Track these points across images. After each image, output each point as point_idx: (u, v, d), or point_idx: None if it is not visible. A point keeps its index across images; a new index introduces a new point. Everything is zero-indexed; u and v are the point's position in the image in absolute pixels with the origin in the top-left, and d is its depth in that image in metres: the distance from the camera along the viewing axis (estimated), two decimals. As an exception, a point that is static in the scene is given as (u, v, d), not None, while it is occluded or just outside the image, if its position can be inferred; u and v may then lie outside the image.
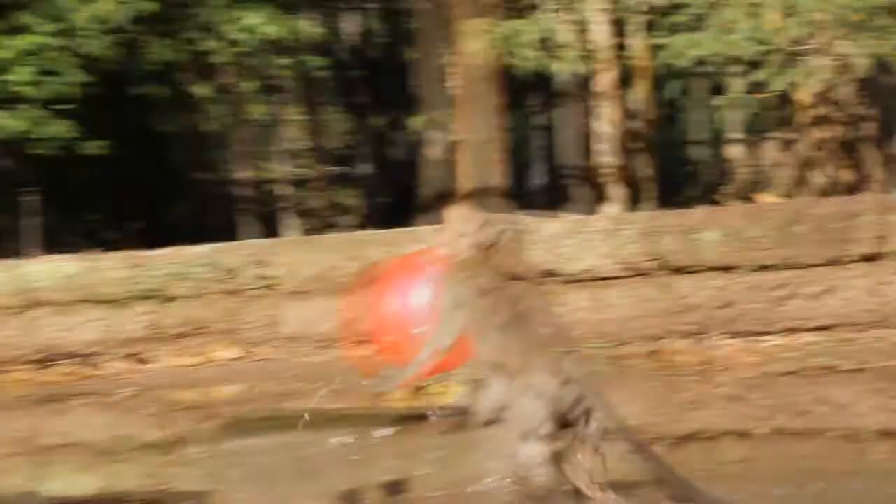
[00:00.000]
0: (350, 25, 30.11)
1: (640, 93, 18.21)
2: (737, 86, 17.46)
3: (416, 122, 34.35)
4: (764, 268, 8.49)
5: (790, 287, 8.41)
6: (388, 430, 3.79)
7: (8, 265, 9.78)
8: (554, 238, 8.80)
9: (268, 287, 9.26)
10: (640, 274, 8.75)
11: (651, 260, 8.74)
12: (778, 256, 8.41)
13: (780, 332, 8.37)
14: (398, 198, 26.84)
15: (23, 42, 14.26)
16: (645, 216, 8.85)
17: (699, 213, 8.75)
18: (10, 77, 14.26)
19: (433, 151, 35.19)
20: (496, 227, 3.72)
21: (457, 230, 3.71)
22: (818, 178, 16.02)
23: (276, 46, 17.18)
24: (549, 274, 8.80)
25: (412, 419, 3.88)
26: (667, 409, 6.07)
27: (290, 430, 3.81)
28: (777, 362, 7.75)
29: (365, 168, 32.35)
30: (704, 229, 8.59)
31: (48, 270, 9.49)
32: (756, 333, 8.40)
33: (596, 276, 8.80)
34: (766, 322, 8.38)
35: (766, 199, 9.15)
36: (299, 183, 36.30)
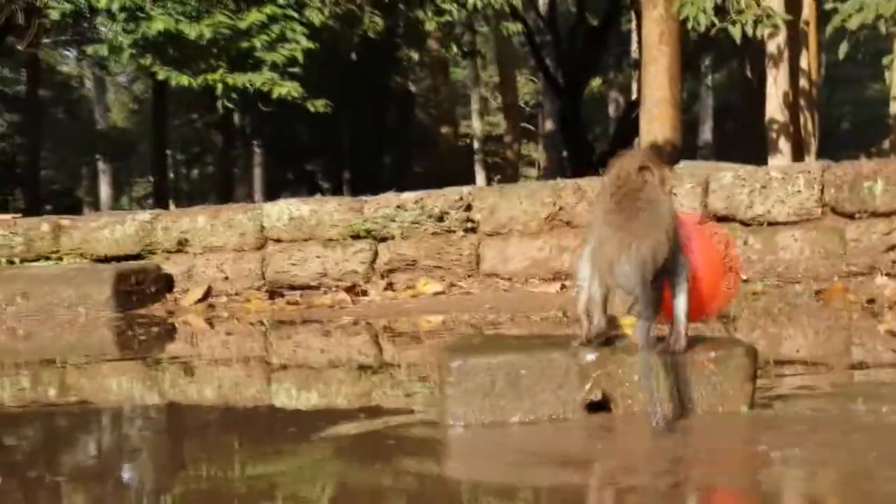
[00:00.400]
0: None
1: (808, 54, 17.66)
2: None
3: (596, 82, 34.03)
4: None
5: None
6: (593, 355, 3.73)
7: (247, 207, 10.02)
8: (730, 187, 8.61)
9: (471, 230, 9.29)
10: (811, 219, 8.49)
11: (821, 206, 8.47)
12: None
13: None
14: (578, 152, 26.70)
15: (260, 14, 14.54)
16: (816, 166, 8.56)
17: (867, 164, 8.42)
18: (251, 43, 14.56)
19: (613, 109, 34.75)
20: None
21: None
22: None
23: (475, 16, 17.12)
24: (726, 219, 8.64)
25: (614, 341, 3.81)
26: (833, 343, 5.86)
27: (506, 352, 3.78)
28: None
29: (549, 125, 32.29)
30: (871, 179, 8.27)
31: (280, 212, 9.70)
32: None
33: (769, 221, 8.58)
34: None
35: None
36: (491, 137, 36.42)
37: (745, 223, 8.64)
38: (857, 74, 36.01)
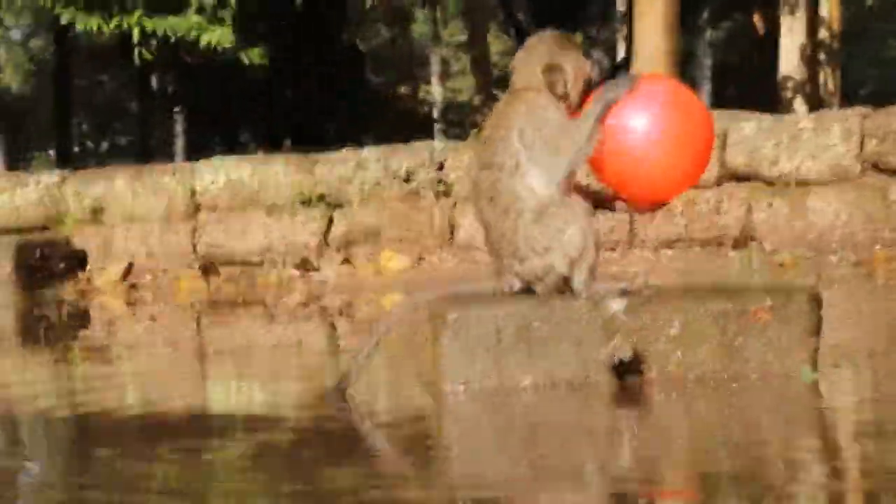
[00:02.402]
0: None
1: (828, 3, 17.63)
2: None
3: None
4: None
5: None
6: (622, 303, 3.56)
7: (175, 168, 9.83)
8: (752, 139, 8.49)
9: (443, 193, 9.13)
10: (848, 178, 8.38)
11: (861, 162, 8.36)
12: None
13: None
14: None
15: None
16: (854, 114, 8.45)
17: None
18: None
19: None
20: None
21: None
22: None
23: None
24: (747, 177, 8.52)
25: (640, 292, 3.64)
26: (879, 325, 5.69)
27: (515, 302, 3.61)
28: None
29: (523, 90, 32.14)
30: (920, 129, 8.18)
31: (215, 173, 9.49)
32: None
33: (798, 180, 8.46)
34: None
35: None
36: (453, 104, 36.27)
37: (769, 182, 8.53)
38: (882, 30, 36.14)
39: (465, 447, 3.10)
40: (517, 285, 3.65)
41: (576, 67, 3.70)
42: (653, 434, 3.14)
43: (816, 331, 3.64)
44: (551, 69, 3.68)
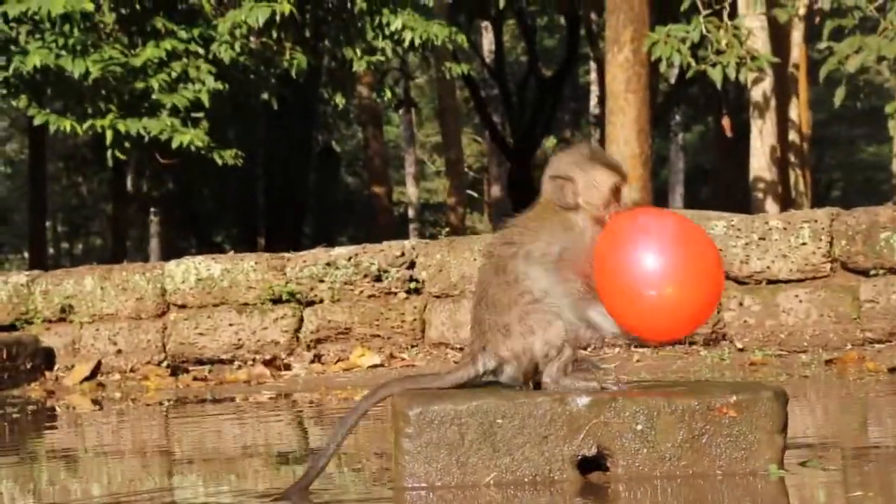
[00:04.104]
0: (486, 43, 30.13)
1: (799, 103, 17.82)
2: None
3: (550, 143, 34.24)
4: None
5: None
6: (586, 399, 3.51)
7: (145, 267, 9.76)
8: (722, 238, 8.49)
9: (415, 291, 9.09)
10: (818, 277, 8.38)
11: (830, 261, 8.36)
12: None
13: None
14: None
15: (158, 50, 14.34)
16: (823, 214, 8.46)
17: (884, 210, 8.34)
18: (147, 84, 14.34)
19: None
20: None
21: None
22: None
23: (414, 55, 17.07)
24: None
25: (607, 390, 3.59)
26: (847, 423, 5.63)
27: (478, 397, 3.54)
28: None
29: (496, 191, 32.32)
30: (890, 229, 8.18)
31: (186, 272, 9.43)
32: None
33: (769, 278, 8.45)
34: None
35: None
36: (431, 206, 36.41)
37: (740, 281, 8.52)
38: (849, 135, 36.60)
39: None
40: (491, 365, 3.63)
41: (587, 179, 3.69)
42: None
43: (783, 428, 3.59)
44: (557, 179, 3.71)
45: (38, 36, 14.31)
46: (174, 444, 6.08)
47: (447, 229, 9.90)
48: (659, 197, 29.35)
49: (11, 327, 9.69)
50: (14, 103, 14.55)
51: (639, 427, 3.52)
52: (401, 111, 28.81)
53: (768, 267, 8.44)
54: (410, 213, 32.40)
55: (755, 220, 8.64)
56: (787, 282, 8.43)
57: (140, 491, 4.03)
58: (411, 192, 33.03)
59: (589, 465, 3.55)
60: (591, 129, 30.95)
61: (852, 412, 6.12)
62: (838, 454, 4.28)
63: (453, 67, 16.65)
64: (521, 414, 3.50)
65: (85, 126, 14.25)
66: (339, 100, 16.61)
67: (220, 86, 14.73)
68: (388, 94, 17.48)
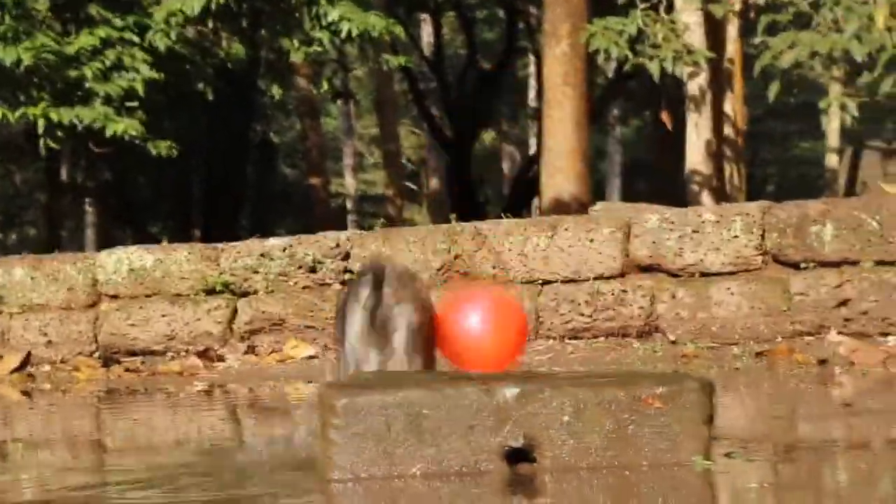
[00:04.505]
0: (425, 35, 30.11)
1: (734, 97, 17.96)
2: (839, 90, 17.08)
3: (489, 136, 34.28)
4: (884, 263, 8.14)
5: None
6: (514, 390, 3.51)
7: (77, 258, 9.65)
8: (656, 231, 8.53)
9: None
10: (750, 269, 8.44)
11: (762, 254, 8.43)
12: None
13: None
14: (467, 215, 26.71)
15: (92, 37, 14.22)
16: (755, 207, 8.52)
17: (815, 204, 8.41)
18: (80, 72, 14.21)
19: (507, 166, 35.01)
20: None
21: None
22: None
23: (351, 45, 17.01)
24: (651, 269, 8.54)
25: (538, 380, 3.60)
26: (777, 416, 5.67)
27: (405, 387, 3.54)
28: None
29: (434, 183, 32.30)
30: (820, 222, 8.26)
31: (118, 263, 9.35)
32: (878, 334, 8.06)
33: (702, 271, 8.50)
34: (890, 321, 8.03)
35: (892, 190, 8.77)
36: (369, 197, 36.34)
37: (673, 274, 8.56)
38: (784, 130, 36.91)
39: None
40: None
41: None
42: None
43: (710, 420, 3.61)
44: None
45: (-34, 24, 14.16)
46: (104, 435, 6.04)
47: (383, 221, 9.84)
48: (597, 189, 29.44)
49: (-62, 318, 9.56)
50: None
51: (566, 418, 3.52)
52: (339, 102, 28.74)
53: (701, 260, 8.48)
54: (349, 204, 32.34)
55: (688, 214, 8.69)
56: (719, 275, 8.48)
57: (70, 486, 3.99)
58: (349, 183, 32.96)
59: (516, 456, 3.54)
60: (529, 123, 31.02)
61: (781, 404, 6.17)
62: (765, 446, 4.31)
63: (391, 59, 16.63)
64: (447, 405, 3.50)
65: (17, 114, 14.11)
66: (277, 91, 16.54)
67: (155, 75, 14.63)
68: (326, 85, 17.43)
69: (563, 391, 3.51)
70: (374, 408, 3.49)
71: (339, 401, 3.49)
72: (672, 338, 8.45)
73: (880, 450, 4.29)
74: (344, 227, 29.69)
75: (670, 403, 3.56)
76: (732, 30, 18.04)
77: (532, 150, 27.51)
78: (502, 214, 9.79)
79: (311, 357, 8.85)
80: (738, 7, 16.78)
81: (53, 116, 14.01)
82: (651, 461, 3.54)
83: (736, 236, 8.43)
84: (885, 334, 8.05)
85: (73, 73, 14.26)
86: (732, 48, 18.29)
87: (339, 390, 3.55)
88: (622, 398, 3.55)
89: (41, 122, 14.04)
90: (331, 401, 3.50)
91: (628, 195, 34.17)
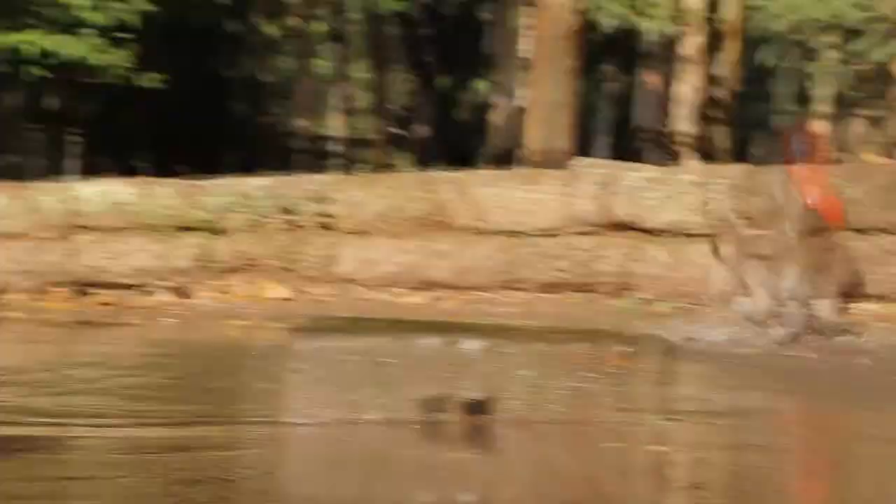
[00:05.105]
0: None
1: (727, 59, 17.89)
2: (832, 55, 17.07)
3: (481, 84, 34.15)
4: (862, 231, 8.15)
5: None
6: (477, 343, 3.51)
7: (57, 188, 9.61)
8: (636, 189, 8.51)
9: (326, 226, 9.04)
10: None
11: (742, 217, 8.41)
12: (882, 220, 8.06)
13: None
14: (455, 163, 26.65)
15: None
16: (738, 170, 8.50)
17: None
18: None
19: (497, 115, 34.95)
20: None
21: None
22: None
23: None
24: (629, 227, 8.53)
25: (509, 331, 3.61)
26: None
27: (368, 334, 3.54)
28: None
29: (423, 130, 32.16)
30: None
31: (100, 195, 9.31)
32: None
33: (680, 230, 8.49)
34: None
35: (872, 158, 8.77)
36: (355, 142, 36.21)
37: (651, 232, 8.55)
38: (774, 94, 36.79)
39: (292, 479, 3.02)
40: None
41: None
42: (493, 471, 3.09)
43: (669, 380, 3.62)
44: None
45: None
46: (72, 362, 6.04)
47: (366, 165, 9.84)
48: (584, 147, 29.39)
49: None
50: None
51: (525, 372, 3.52)
52: (331, 44, 28.55)
53: (681, 219, 8.46)
54: (335, 148, 32.17)
55: (669, 173, 8.67)
56: (698, 235, 8.46)
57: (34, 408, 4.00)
58: (337, 126, 32.82)
59: (475, 407, 3.55)
60: (518, 74, 30.91)
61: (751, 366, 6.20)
62: (713, 406, 4.32)
63: (389, 3, 16.52)
64: (408, 354, 3.49)
65: (2, 41, 14.00)
66: (270, 29, 16.43)
67: (148, 6, 14.53)
68: (320, 26, 17.31)
69: (525, 346, 3.51)
70: (337, 354, 3.49)
71: (299, 344, 3.49)
72: (646, 296, 8.44)
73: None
74: (328, 171, 29.62)
75: (632, 362, 3.56)
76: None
77: (519, 101, 27.42)
78: (487, 165, 9.77)
79: (285, 299, 8.84)
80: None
81: (47, 45, 13.89)
82: (608, 417, 3.55)
83: (716, 197, 8.40)
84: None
85: (61, 1, 14.15)
86: (731, 9, 18.20)
87: (300, 333, 3.55)
88: (583, 354, 3.55)
89: (25, 49, 13.93)
90: (293, 346, 3.50)
91: (617, 153, 34.11)
